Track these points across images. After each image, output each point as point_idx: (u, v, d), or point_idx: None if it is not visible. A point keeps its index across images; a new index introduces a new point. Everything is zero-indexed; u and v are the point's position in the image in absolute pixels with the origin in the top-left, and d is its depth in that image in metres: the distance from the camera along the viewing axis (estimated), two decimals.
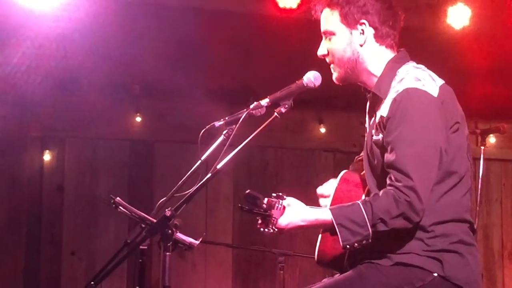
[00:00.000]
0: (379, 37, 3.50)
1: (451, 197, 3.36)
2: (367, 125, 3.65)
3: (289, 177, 8.37)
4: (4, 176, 7.47)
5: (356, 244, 3.24)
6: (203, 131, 3.42)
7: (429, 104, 3.30)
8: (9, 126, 7.42)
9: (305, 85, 3.41)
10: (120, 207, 3.50)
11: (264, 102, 3.42)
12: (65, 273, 7.73)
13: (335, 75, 3.57)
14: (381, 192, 3.27)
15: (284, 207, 3.34)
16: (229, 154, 3.27)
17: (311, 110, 8.28)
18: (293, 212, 3.33)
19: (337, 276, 3.59)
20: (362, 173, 3.68)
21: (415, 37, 5.55)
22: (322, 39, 3.60)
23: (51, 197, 7.80)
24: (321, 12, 3.56)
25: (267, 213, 3.25)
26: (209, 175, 3.26)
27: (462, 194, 3.40)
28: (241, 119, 3.39)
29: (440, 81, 3.40)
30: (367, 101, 3.66)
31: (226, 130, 3.45)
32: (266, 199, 3.26)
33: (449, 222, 3.35)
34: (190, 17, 6.66)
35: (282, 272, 6.21)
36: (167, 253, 3.14)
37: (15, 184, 7.53)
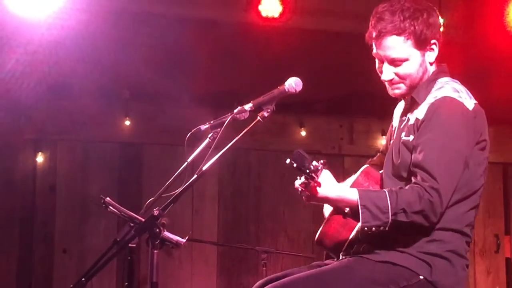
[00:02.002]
0: (438, 50, 3.49)
1: (457, 209, 3.36)
2: (395, 126, 3.65)
3: (272, 177, 8.37)
4: None
5: (374, 228, 3.23)
6: (189, 134, 3.41)
7: (463, 116, 3.31)
8: (3, 129, 7.40)
9: (287, 90, 3.40)
10: (110, 207, 3.48)
11: (248, 106, 3.41)
12: (57, 269, 7.71)
13: (397, 92, 3.51)
14: (407, 186, 3.27)
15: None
16: (214, 156, 3.27)
17: (292, 114, 8.30)
18: (326, 184, 3.27)
19: (330, 262, 3.59)
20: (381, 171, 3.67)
21: None
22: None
23: (43, 197, 7.78)
24: (383, 38, 3.40)
25: (312, 175, 3.14)
26: (195, 176, 3.26)
27: (467, 208, 3.40)
28: (225, 123, 3.38)
29: (474, 100, 3.41)
30: (401, 102, 3.67)
31: (212, 133, 3.45)
32: (314, 162, 3.14)
33: (449, 231, 3.35)
34: (177, 25, 6.66)
35: (264, 268, 6.21)
36: (155, 251, 3.13)
37: (9, 184, 7.50)
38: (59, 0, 6.05)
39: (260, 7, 6.63)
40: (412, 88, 3.47)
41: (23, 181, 7.65)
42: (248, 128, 3.32)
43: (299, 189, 3.23)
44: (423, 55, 3.44)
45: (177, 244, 3.28)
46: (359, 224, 3.29)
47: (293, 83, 3.41)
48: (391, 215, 3.20)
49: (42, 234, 7.73)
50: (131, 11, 6.57)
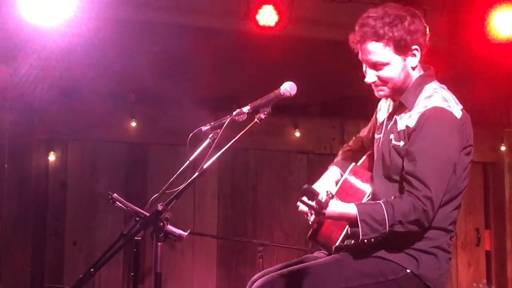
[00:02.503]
0: (421, 56, 3.47)
1: (444, 210, 3.37)
2: (381, 121, 3.63)
3: (268, 175, 8.36)
4: (13, 175, 7.42)
5: (372, 239, 3.23)
6: (191, 134, 3.41)
7: (453, 125, 3.31)
8: (18, 130, 7.38)
9: (282, 94, 3.39)
10: (117, 202, 3.48)
11: (246, 109, 3.40)
12: (67, 261, 7.70)
13: (381, 94, 3.51)
14: (402, 196, 3.27)
15: None
16: (214, 155, 3.26)
17: (287, 116, 8.28)
18: (330, 208, 3.19)
19: (319, 254, 3.57)
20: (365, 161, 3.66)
21: None
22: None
23: (55, 194, 7.77)
24: (364, 43, 3.40)
25: (321, 211, 3.10)
26: (196, 174, 3.25)
27: (452, 208, 3.41)
28: (225, 124, 3.38)
29: (460, 105, 3.40)
30: (386, 102, 3.65)
31: (212, 134, 3.43)
32: (324, 199, 3.08)
33: (435, 230, 3.36)
34: (180, 33, 6.67)
35: (261, 260, 6.20)
36: (159, 243, 3.13)
37: (23, 182, 7.49)
38: (70, 9, 6.06)
39: (258, 17, 6.65)
40: (395, 90, 3.46)
41: (36, 178, 7.64)
42: (246, 129, 3.31)
43: (309, 221, 3.24)
44: (404, 60, 3.42)
45: (179, 237, 3.27)
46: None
47: (288, 87, 3.40)
48: (388, 227, 3.21)
49: (53, 227, 7.72)
50: (137, 20, 6.58)
